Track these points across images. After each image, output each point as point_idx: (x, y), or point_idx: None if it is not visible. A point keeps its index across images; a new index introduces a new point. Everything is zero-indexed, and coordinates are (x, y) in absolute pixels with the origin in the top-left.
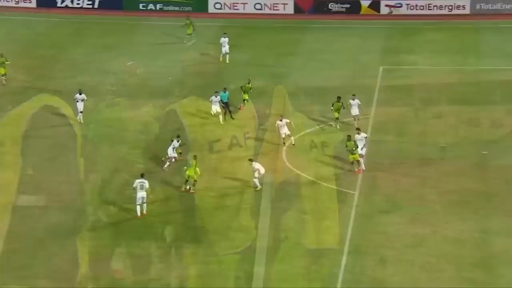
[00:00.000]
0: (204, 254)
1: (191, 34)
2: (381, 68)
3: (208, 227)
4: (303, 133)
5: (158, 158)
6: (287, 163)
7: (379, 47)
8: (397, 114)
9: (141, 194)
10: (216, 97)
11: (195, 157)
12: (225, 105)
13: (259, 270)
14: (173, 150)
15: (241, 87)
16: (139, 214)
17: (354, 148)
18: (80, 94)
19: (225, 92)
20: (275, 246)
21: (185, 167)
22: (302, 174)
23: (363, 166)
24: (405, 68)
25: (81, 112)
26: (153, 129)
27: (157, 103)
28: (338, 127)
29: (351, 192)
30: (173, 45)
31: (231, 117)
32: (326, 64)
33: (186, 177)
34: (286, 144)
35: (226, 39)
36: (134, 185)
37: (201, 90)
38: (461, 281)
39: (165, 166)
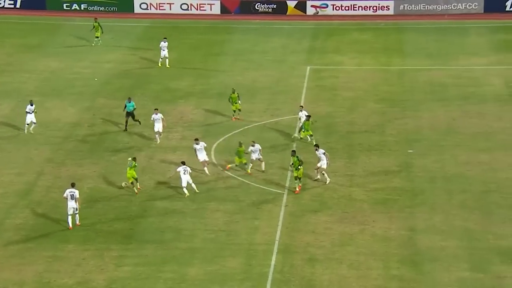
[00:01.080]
0: (133, 256)
1: (98, 37)
2: (308, 68)
3: (137, 229)
4: (231, 133)
5: (86, 161)
6: (216, 164)
7: (306, 47)
8: (324, 114)
9: (71, 204)
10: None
11: (134, 159)
12: (128, 115)
13: (189, 271)
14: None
15: (228, 98)
16: (70, 225)
17: (298, 165)
18: (31, 105)
19: (130, 102)
20: (205, 246)
21: (127, 168)
22: (231, 174)
23: (327, 178)
24: (331, 68)
25: (27, 124)
26: (80, 131)
27: (83, 105)
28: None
29: (280, 191)
30: (98, 46)
31: (125, 128)
32: (254, 64)
33: (129, 176)
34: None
35: (166, 44)
36: (64, 195)
37: (128, 91)
38: (388, 278)
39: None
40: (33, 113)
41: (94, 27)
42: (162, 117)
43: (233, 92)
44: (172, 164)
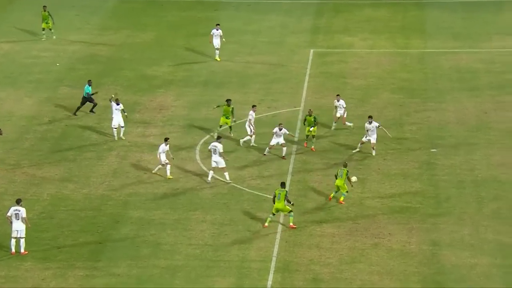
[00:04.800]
0: (102, 275)
1: (46, 29)
2: (311, 52)
3: (107, 243)
4: (220, 129)
5: (46, 163)
6: (202, 165)
7: (309, 26)
8: (330, 106)
9: (16, 226)
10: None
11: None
12: (85, 99)
13: None
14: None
15: (220, 106)
16: (13, 250)
17: (313, 125)
18: None
19: (89, 86)
20: (188, 264)
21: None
22: (219, 178)
23: (373, 153)
24: (339, 52)
25: None
26: (38, 126)
27: (43, 95)
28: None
29: None
30: (60, 24)
31: (75, 113)
32: (246, 47)
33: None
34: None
35: (220, 31)
36: (8, 214)
37: (96, 78)
38: None
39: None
40: None
41: (42, 17)
42: (123, 108)
43: (228, 105)
44: (150, 165)
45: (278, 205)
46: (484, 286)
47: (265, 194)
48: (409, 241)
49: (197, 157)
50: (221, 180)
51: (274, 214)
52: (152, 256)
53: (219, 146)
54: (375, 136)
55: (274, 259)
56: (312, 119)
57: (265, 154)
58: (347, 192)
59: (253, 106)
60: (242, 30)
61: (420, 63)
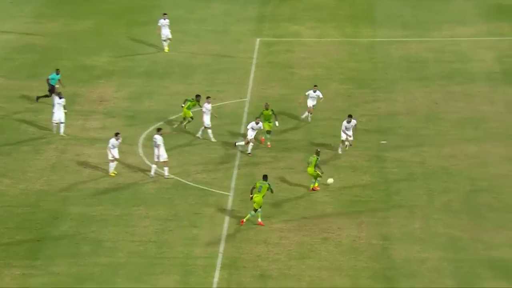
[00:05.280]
0: (40, 274)
1: None
2: (257, 41)
3: (45, 241)
4: (163, 121)
5: None
6: (145, 159)
7: (254, 14)
8: (278, 97)
9: None
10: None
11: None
12: (51, 88)
13: None
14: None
15: (185, 101)
16: None
17: (270, 119)
18: None
19: (57, 74)
20: (131, 262)
21: None
22: (163, 172)
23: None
24: (286, 41)
25: None
26: None
27: None
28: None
29: (225, 193)
30: None
31: (38, 98)
32: (189, 36)
33: None
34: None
35: (167, 21)
36: None
37: (32, 69)
38: None
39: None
40: None
41: None
42: (64, 103)
43: (197, 101)
44: (90, 159)
45: (256, 198)
46: (435, 280)
47: (210, 188)
48: (359, 235)
49: (140, 150)
50: (166, 175)
51: (256, 210)
52: (92, 254)
53: (158, 139)
54: (351, 132)
55: (220, 255)
56: (270, 113)
57: (239, 149)
58: (320, 177)
59: (208, 97)
60: (185, 19)
61: (369, 52)
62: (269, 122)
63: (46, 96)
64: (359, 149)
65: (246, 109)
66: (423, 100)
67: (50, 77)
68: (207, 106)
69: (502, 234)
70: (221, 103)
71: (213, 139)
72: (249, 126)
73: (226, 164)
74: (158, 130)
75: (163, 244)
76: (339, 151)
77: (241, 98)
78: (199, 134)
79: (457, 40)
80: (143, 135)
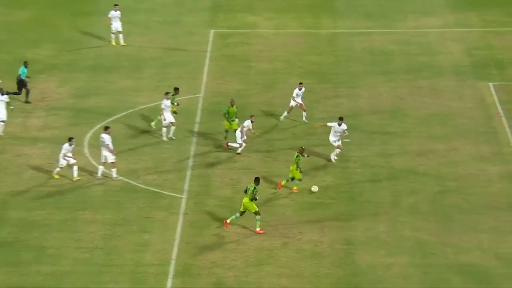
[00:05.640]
0: None
1: None
2: (211, 33)
3: None
4: (113, 118)
5: None
6: (91, 160)
7: (208, 4)
8: (233, 93)
9: None
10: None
11: None
12: (20, 83)
13: None
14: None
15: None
16: None
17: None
18: None
19: (25, 67)
20: (77, 270)
21: None
22: (111, 173)
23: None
24: (242, 32)
25: None
26: None
27: None
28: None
29: (178, 195)
30: None
31: (26, 99)
32: (138, 27)
33: None
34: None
35: (118, 13)
36: None
37: None
38: None
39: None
40: None
41: None
42: (8, 100)
43: (172, 95)
44: (32, 160)
45: (244, 200)
46: (401, 287)
47: (162, 190)
48: (320, 240)
49: (86, 150)
50: (113, 176)
51: (242, 213)
52: (35, 262)
53: (106, 138)
54: (338, 138)
55: (173, 262)
56: (236, 110)
57: (230, 149)
58: (299, 180)
59: (166, 93)
60: (133, 9)
61: (331, 44)
62: (233, 121)
63: (28, 93)
64: (320, 148)
65: (200, 106)
66: (388, 96)
67: (20, 71)
68: (166, 102)
69: (472, 237)
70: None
71: (165, 138)
72: (246, 125)
73: (178, 165)
74: (106, 128)
75: (111, 250)
76: (333, 159)
77: (194, 94)
78: (164, 135)
79: (424, 31)
80: (89, 134)
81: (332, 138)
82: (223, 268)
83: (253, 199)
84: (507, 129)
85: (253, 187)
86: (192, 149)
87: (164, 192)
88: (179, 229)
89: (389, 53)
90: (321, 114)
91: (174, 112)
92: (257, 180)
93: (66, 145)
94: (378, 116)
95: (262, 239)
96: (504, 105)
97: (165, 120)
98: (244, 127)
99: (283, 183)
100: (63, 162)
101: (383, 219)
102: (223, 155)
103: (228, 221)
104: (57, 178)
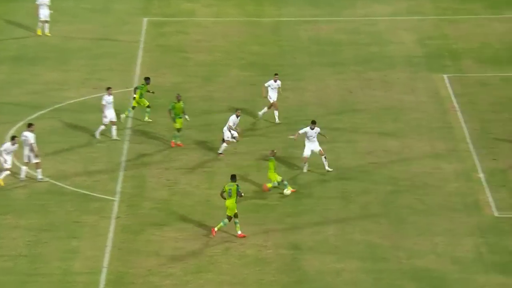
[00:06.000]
0: None
1: None
2: (145, 21)
3: None
4: (37, 114)
5: None
6: (15, 160)
7: None
8: (170, 86)
9: None
10: None
11: None
12: None
13: None
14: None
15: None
16: None
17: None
18: None
19: None
20: None
21: None
22: (36, 174)
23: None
24: (178, 21)
25: None
26: None
27: None
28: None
29: (110, 198)
30: None
31: None
32: (65, 15)
33: None
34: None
35: None
36: None
37: None
38: None
39: None
40: None
41: None
42: None
43: (143, 85)
44: None
45: (228, 203)
46: None
47: (92, 193)
48: (265, 244)
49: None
50: (39, 177)
51: (230, 218)
52: None
53: (29, 136)
54: (317, 143)
55: (104, 270)
56: (182, 106)
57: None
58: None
59: (108, 88)
60: None
61: (275, 34)
62: (180, 118)
63: None
64: (264, 145)
65: (133, 100)
66: (336, 89)
67: None
68: (108, 99)
69: (426, 240)
70: (104, 93)
71: (98, 136)
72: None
73: (110, 165)
74: (29, 125)
75: (37, 258)
76: (304, 170)
77: (127, 88)
78: (98, 133)
79: (374, 19)
80: (11, 132)
81: (308, 147)
82: (160, 276)
83: (240, 196)
84: (463, 124)
85: (235, 186)
86: (125, 147)
87: (95, 195)
88: (111, 234)
89: (337, 43)
90: (264, 108)
91: (148, 107)
92: (234, 178)
93: (7, 144)
94: (325, 110)
95: (202, 245)
96: (459, 98)
97: (105, 117)
98: (231, 126)
99: (287, 189)
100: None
101: (331, 221)
102: (159, 154)
103: (215, 228)
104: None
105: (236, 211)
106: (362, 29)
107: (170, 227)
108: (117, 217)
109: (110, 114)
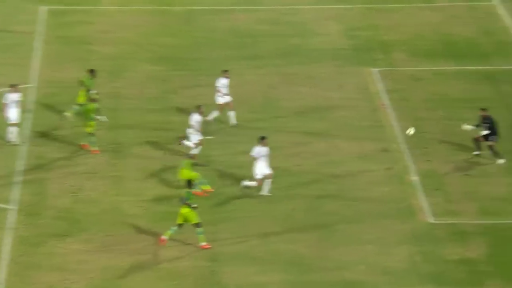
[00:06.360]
0: None
1: None
2: (43, 9)
3: None
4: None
5: None
6: None
7: None
8: (72, 82)
9: None
10: None
11: None
12: None
13: None
14: None
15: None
16: None
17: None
18: None
19: None
20: None
21: None
22: None
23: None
24: (80, 9)
25: None
26: None
27: None
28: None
29: (5, 206)
30: None
31: None
32: None
33: None
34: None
35: None
36: None
37: None
38: None
39: None
40: None
41: None
42: None
43: (91, 77)
44: None
45: (184, 210)
46: None
47: None
48: (180, 256)
49: None
50: None
51: (180, 226)
52: None
53: None
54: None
55: (0, 287)
56: (96, 107)
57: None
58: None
59: (11, 85)
60: None
61: (188, 24)
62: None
63: None
64: (176, 147)
65: (33, 98)
66: (256, 85)
67: None
68: (12, 96)
69: (356, 249)
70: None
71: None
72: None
73: (6, 170)
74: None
75: None
76: (267, 193)
77: (25, 84)
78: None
79: (296, 8)
80: None
81: (259, 168)
82: None
83: (188, 204)
84: (394, 123)
85: (187, 193)
86: (24, 150)
87: None
88: (7, 246)
89: (257, 35)
90: (177, 105)
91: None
92: (189, 184)
93: None
94: (245, 108)
95: (110, 257)
96: (390, 94)
97: (8, 118)
98: (193, 125)
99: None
100: None
101: (253, 230)
102: (62, 157)
103: (165, 237)
104: None
105: (199, 221)
106: (283, 19)
107: (74, 238)
108: (15, 228)
109: (12, 115)
